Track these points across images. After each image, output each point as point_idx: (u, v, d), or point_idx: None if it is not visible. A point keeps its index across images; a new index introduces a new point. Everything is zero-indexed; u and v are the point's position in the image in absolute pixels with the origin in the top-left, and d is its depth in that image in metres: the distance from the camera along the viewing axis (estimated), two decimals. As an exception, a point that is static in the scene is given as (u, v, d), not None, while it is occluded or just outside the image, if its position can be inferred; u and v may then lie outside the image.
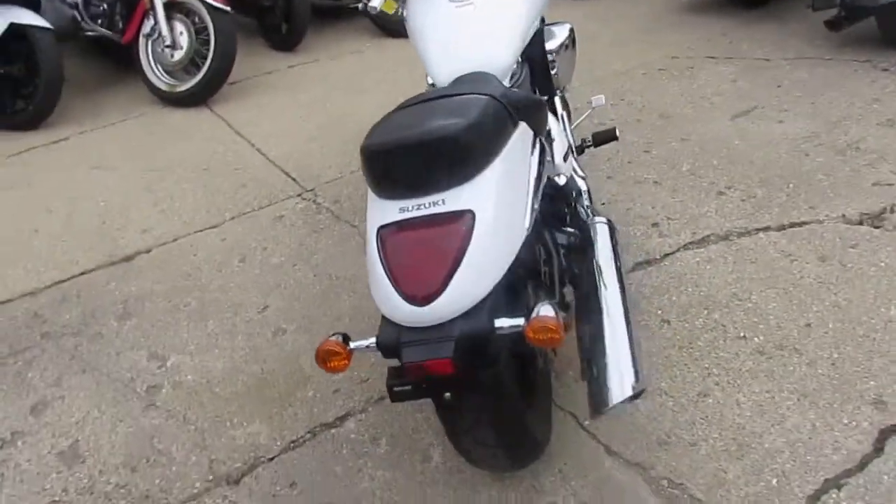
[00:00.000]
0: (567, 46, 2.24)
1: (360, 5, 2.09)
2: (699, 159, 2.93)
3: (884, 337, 1.93)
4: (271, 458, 1.83)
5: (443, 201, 1.26)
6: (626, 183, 2.81)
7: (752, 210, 2.56)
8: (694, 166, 2.88)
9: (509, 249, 1.29)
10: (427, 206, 1.26)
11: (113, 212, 3.10)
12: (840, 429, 1.67)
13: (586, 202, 1.94)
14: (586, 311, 1.53)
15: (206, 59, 3.90)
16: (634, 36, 4.50)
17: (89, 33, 4.28)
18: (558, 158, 1.88)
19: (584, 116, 2.66)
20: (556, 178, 1.71)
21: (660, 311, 2.14)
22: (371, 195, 1.35)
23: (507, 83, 1.92)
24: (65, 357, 2.28)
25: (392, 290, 1.22)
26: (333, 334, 1.29)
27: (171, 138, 3.76)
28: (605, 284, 1.56)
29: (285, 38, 4.85)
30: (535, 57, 2.18)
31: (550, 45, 2.18)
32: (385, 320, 1.25)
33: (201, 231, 2.88)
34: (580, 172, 2.04)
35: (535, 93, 2.19)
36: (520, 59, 2.10)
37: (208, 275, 2.60)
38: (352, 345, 1.27)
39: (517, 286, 1.37)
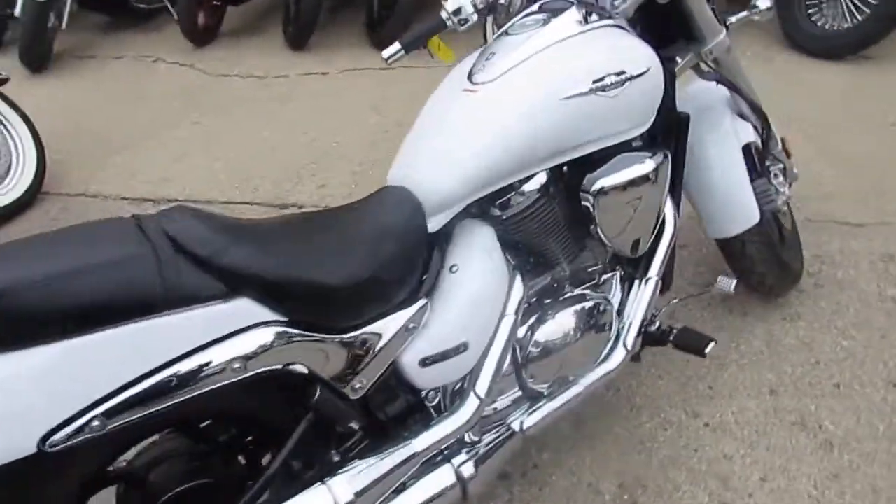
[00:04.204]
0: (627, 189, 1.40)
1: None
2: None
3: None
4: None
5: None
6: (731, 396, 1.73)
7: None
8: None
9: None
10: None
11: (331, 155, 3.22)
12: None
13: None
14: None
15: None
16: None
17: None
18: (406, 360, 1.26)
19: (677, 300, 1.78)
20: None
21: None
22: None
23: (440, 220, 1.32)
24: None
25: None
26: None
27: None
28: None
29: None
30: (571, 192, 1.44)
31: (595, 182, 1.40)
32: None
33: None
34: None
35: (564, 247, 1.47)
36: (543, 188, 1.41)
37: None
38: None
39: None
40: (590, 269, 1.57)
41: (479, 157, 1.31)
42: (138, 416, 1.02)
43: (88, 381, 0.99)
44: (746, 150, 1.82)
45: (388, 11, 4.20)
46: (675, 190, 1.63)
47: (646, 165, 1.42)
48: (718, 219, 1.80)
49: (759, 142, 1.85)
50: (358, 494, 1.17)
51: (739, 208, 1.77)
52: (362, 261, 1.19)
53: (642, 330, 1.59)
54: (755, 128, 1.85)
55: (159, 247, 1.04)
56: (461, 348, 1.30)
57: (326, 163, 3.16)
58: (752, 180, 1.83)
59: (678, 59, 1.63)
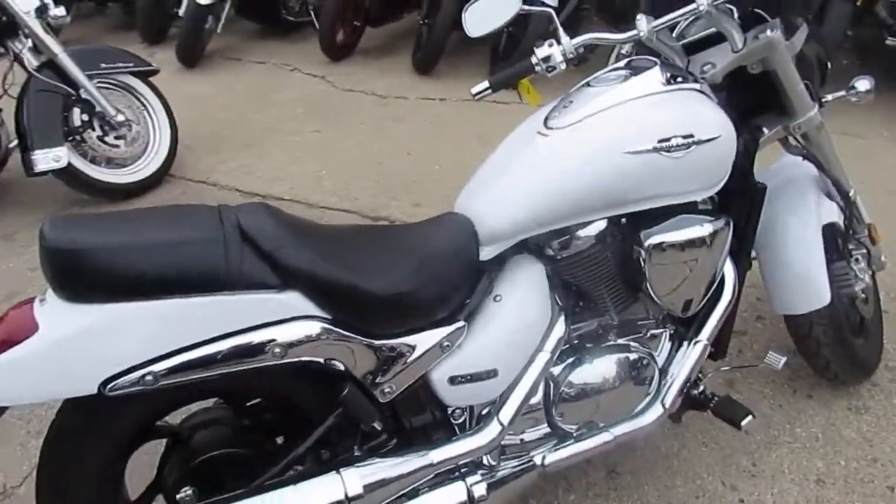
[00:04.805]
0: (680, 249, 1.42)
1: None
2: None
3: None
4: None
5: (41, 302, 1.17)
6: None
7: None
8: None
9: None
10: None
11: (431, 177, 3.36)
12: None
13: None
14: None
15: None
16: None
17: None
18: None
19: (728, 368, 1.76)
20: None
21: None
22: None
23: (493, 250, 1.40)
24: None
25: None
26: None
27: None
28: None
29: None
30: (627, 244, 1.47)
31: (649, 237, 1.42)
32: None
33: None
34: None
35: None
36: (600, 235, 1.45)
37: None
38: None
39: None
40: (639, 323, 1.59)
41: (536, 196, 1.38)
42: (187, 378, 1.16)
43: (149, 340, 1.14)
44: (829, 230, 1.78)
45: (514, 46, 4.34)
46: (742, 259, 1.62)
47: (702, 229, 1.43)
48: (786, 294, 1.76)
49: (842, 223, 1.80)
50: (367, 489, 1.25)
51: (809, 287, 1.72)
52: (407, 276, 1.29)
53: (684, 391, 1.58)
54: (841, 209, 1.80)
55: (230, 235, 1.18)
56: (490, 374, 1.36)
57: (424, 184, 3.30)
58: (831, 262, 1.78)
59: (765, 130, 1.63)
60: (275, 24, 5.51)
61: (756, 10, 1.56)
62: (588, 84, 1.52)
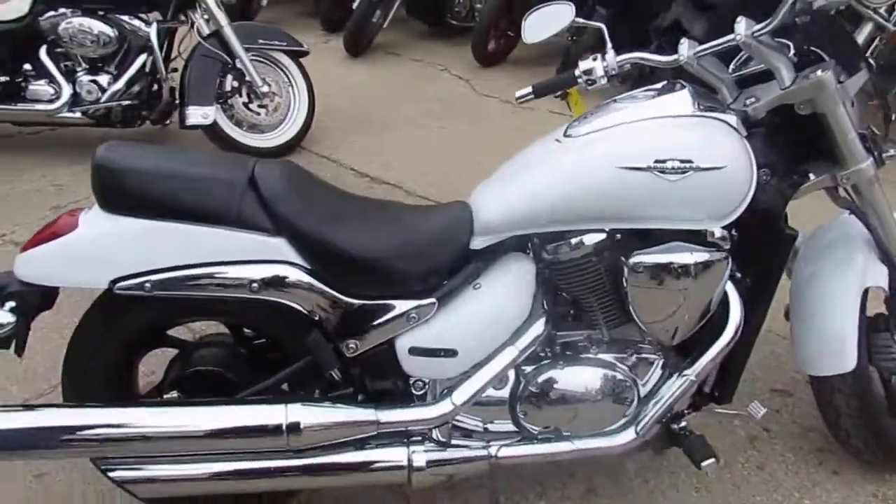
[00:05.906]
0: (664, 274, 1.40)
1: None
2: None
3: None
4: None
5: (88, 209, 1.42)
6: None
7: None
8: None
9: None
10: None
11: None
12: None
13: None
14: None
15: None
16: None
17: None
18: None
19: (737, 413, 1.68)
20: None
21: None
22: None
23: (484, 241, 1.48)
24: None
25: None
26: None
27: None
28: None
29: None
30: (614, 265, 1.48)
31: (634, 256, 1.43)
32: None
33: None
34: None
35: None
36: (596, 247, 1.48)
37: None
38: None
39: None
40: (631, 344, 1.58)
41: (532, 196, 1.44)
42: (176, 293, 1.36)
43: (154, 254, 1.35)
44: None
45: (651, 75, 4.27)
46: (756, 305, 1.56)
47: (690, 258, 1.41)
48: (809, 352, 1.65)
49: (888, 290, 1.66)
50: (307, 427, 1.37)
51: (834, 348, 1.61)
52: (387, 246, 1.40)
53: (662, 422, 1.55)
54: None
55: (240, 180, 1.37)
56: (450, 353, 1.44)
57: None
58: (872, 330, 1.67)
59: (811, 176, 1.56)
60: (440, 25, 5.79)
61: (813, 48, 1.51)
62: (615, 100, 1.55)
